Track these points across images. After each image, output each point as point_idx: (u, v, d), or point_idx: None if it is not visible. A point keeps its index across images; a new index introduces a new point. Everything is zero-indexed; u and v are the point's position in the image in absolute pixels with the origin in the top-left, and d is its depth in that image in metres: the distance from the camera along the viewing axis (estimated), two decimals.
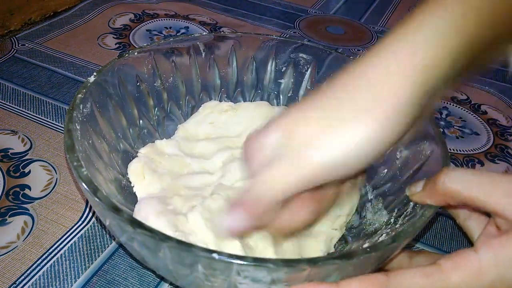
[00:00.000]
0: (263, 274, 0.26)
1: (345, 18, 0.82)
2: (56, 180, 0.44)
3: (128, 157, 0.41)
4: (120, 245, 0.39)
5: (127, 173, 0.40)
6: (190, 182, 0.40)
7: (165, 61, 0.45)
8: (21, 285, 0.35)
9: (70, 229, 0.40)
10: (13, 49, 0.62)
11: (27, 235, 0.39)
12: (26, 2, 0.66)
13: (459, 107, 0.62)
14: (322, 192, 0.30)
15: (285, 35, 0.74)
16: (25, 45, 0.63)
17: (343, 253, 0.29)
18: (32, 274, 0.36)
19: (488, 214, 0.30)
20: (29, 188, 0.43)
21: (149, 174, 0.39)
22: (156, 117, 0.46)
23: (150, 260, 0.30)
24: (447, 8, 0.26)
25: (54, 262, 0.37)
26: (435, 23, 0.26)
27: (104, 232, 0.40)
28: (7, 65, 0.59)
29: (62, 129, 0.50)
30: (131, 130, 0.43)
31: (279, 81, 0.50)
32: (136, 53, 0.43)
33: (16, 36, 0.64)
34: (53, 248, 0.38)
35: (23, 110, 0.52)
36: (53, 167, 0.45)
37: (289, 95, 0.50)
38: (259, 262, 0.26)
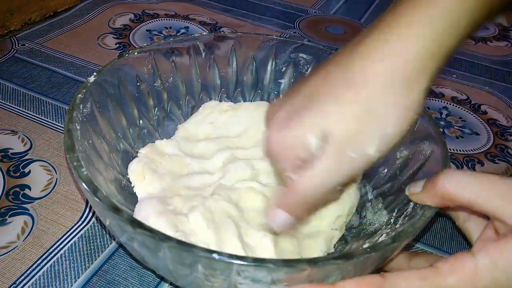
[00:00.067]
0: (263, 274, 0.26)
1: (345, 18, 0.82)
2: (56, 180, 0.44)
3: (128, 157, 0.41)
4: (120, 245, 0.39)
5: (127, 173, 0.40)
6: (190, 182, 0.40)
7: (165, 61, 0.45)
8: (21, 285, 0.35)
9: (70, 229, 0.40)
10: (13, 49, 0.62)
11: (27, 235, 0.39)
12: (26, 2, 0.66)
13: (459, 107, 0.62)
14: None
15: (285, 35, 0.74)
16: (25, 45, 0.63)
17: (343, 253, 0.29)
18: (32, 274, 0.36)
19: (487, 216, 0.30)
20: (29, 188, 0.43)
21: (149, 174, 0.39)
22: (156, 117, 0.46)
23: (150, 260, 0.30)
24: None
25: (54, 262, 0.37)
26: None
27: (104, 232, 0.40)
28: (7, 65, 0.58)
29: (62, 129, 0.50)
30: (131, 130, 0.43)
31: (279, 81, 0.50)
32: (136, 53, 0.43)
33: (16, 36, 0.64)
34: (53, 248, 0.38)
35: (23, 110, 0.52)
36: (53, 167, 0.45)
37: None
38: (259, 262, 0.26)
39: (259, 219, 0.36)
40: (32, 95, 0.54)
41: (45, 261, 0.37)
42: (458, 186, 0.28)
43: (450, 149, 0.54)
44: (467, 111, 0.61)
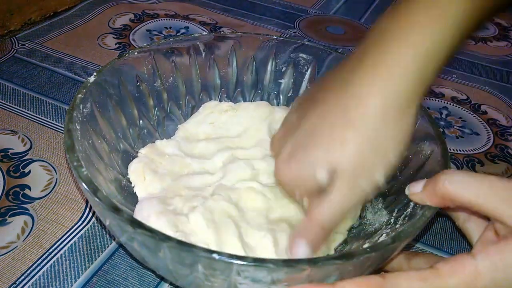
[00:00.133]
0: (263, 274, 0.26)
1: (345, 18, 0.82)
2: (56, 180, 0.44)
3: (128, 157, 0.41)
4: (120, 245, 0.39)
5: (127, 173, 0.40)
6: (191, 182, 0.40)
7: (165, 61, 0.45)
8: (21, 285, 0.35)
9: (70, 229, 0.40)
10: (13, 49, 0.62)
11: (27, 235, 0.39)
12: (26, 2, 0.66)
13: (459, 107, 0.62)
14: None
15: (285, 35, 0.74)
16: (25, 45, 0.63)
17: (343, 253, 0.29)
18: (32, 274, 0.36)
19: (487, 217, 0.30)
20: (29, 188, 0.43)
21: (149, 174, 0.39)
22: (156, 117, 0.46)
23: (150, 260, 0.30)
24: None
25: (54, 262, 0.37)
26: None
27: (104, 232, 0.40)
28: (7, 65, 0.58)
29: (62, 129, 0.50)
30: (131, 130, 0.43)
31: (279, 81, 0.50)
32: (136, 53, 0.43)
33: (16, 36, 0.64)
34: (53, 248, 0.38)
35: (23, 110, 0.52)
36: (53, 167, 0.45)
37: (289, 95, 0.50)
38: (259, 262, 0.26)
39: (259, 219, 0.36)
40: (32, 95, 0.54)
41: (45, 261, 0.37)
42: (458, 186, 0.28)
43: (450, 149, 0.54)
44: (467, 111, 0.61)
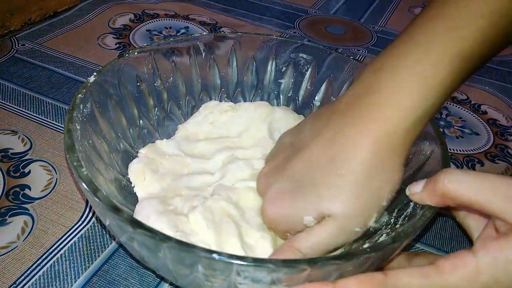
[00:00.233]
0: (263, 275, 0.26)
1: (345, 18, 0.82)
2: (56, 180, 0.44)
3: (128, 157, 0.41)
4: (120, 245, 0.39)
5: (127, 173, 0.40)
6: (191, 182, 0.40)
7: (165, 61, 0.45)
8: (21, 285, 0.35)
9: (70, 229, 0.40)
10: (13, 49, 0.62)
11: (27, 235, 0.39)
12: (26, 2, 0.66)
13: (459, 107, 0.62)
14: None
15: (285, 35, 0.74)
16: (25, 45, 0.63)
17: (343, 253, 0.29)
18: (32, 274, 0.36)
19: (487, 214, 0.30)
20: (29, 188, 0.43)
21: (149, 174, 0.39)
22: (156, 117, 0.46)
23: (150, 260, 0.30)
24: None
25: (54, 262, 0.37)
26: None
27: (104, 232, 0.40)
28: (7, 65, 0.58)
29: (62, 129, 0.50)
30: (131, 130, 0.43)
31: (279, 81, 0.50)
32: (136, 53, 0.43)
33: (16, 36, 0.64)
34: (53, 248, 0.38)
35: (23, 110, 0.52)
36: (53, 167, 0.45)
37: (289, 95, 0.50)
38: (259, 262, 0.26)
39: (258, 219, 0.36)
40: (32, 95, 0.54)
41: (45, 261, 0.37)
42: (458, 185, 0.28)
43: (450, 149, 0.54)
44: (467, 111, 0.61)
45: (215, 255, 0.25)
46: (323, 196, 0.31)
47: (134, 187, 0.39)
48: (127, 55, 0.42)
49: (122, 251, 0.38)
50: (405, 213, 0.34)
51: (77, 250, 0.38)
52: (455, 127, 0.58)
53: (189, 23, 0.73)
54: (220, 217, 0.35)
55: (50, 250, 0.38)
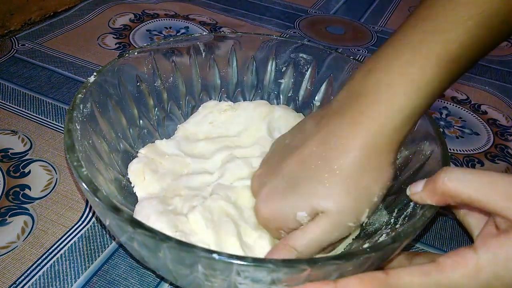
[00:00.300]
0: (263, 274, 0.26)
1: (345, 18, 0.82)
2: (56, 180, 0.44)
3: (128, 157, 0.41)
4: (120, 245, 0.39)
5: (127, 173, 0.40)
6: (190, 182, 0.40)
7: (165, 61, 0.45)
8: (21, 285, 0.35)
9: (70, 229, 0.40)
10: (13, 49, 0.62)
11: (27, 235, 0.39)
12: (26, 2, 0.66)
13: (459, 107, 0.62)
14: None
15: (285, 35, 0.74)
16: (25, 45, 0.63)
17: (343, 253, 0.29)
18: (32, 274, 0.36)
19: (488, 212, 0.30)
20: (29, 188, 0.43)
21: (149, 174, 0.39)
22: (156, 117, 0.46)
23: (150, 260, 0.30)
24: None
25: (54, 262, 0.37)
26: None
27: (104, 232, 0.40)
28: (7, 65, 0.58)
29: (62, 129, 0.50)
30: (131, 130, 0.43)
31: (279, 81, 0.50)
32: (136, 53, 0.43)
33: (16, 36, 0.64)
34: (53, 248, 0.38)
35: (23, 110, 0.52)
36: (53, 167, 0.45)
37: (289, 95, 0.50)
38: (259, 262, 0.26)
39: (255, 217, 0.36)
40: (32, 95, 0.54)
41: (45, 261, 0.37)
42: (458, 183, 0.28)
43: (450, 149, 0.54)
44: (467, 111, 0.61)
45: (215, 255, 0.25)
46: (316, 192, 0.31)
47: (133, 187, 0.39)
48: (127, 55, 0.42)
49: (122, 251, 0.38)
50: (405, 213, 0.34)
51: (77, 250, 0.38)
52: (455, 127, 0.58)
53: (189, 23, 0.73)
54: (219, 217, 0.35)
55: (50, 250, 0.38)
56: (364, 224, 0.39)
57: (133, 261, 0.38)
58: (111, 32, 0.68)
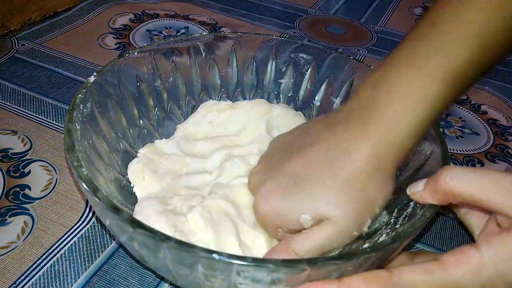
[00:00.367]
0: (263, 274, 0.26)
1: (345, 18, 0.82)
2: (56, 180, 0.44)
3: (128, 157, 0.41)
4: (120, 245, 0.39)
5: (127, 173, 0.40)
6: (190, 182, 0.40)
7: (165, 61, 0.45)
8: (21, 285, 0.35)
9: (70, 229, 0.40)
10: (13, 49, 0.62)
11: (27, 235, 0.39)
12: (26, 2, 0.66)
13: (459, 107, 0.62)
14: None
15: (285, 35, 0.74)
16: (25, 45, 0.63)
17: (343, 253, 0.29)
18: (32, 274, 0.36)
19: (489, 211, 0.30)
20: (29, 188, 0.43)
21: (149, 174, 0.39)
22: (156, 117, 0.46)
23: (150, 260, 0.30)
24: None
25: (54, 262, 0.37)
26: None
27: (104, 232, 0.40)
28: (7, 65, 0.58)
29: (62, 129, 0.50)
30: (131, 130, 0.43)
31: (279, 81, 0.50)
32: (136, 53, 0.43)
33: (16, 36, 0.64)
34: (53, 248, 0.38)
35: (23, 110, 0.52)
36: (53, 167, 0.45)
37: (289, 95, 0.50)
38: (259, 262, 0.26)
39: (253, 216, 0.36)
40: (32, 95, 0.54)
41: (45, 261, 0.37)
42: (460, 181, 0.28)
43: (450, 149, 0.54)
44: (467, 111, 0.61)
45: (215, 255, 0.25)
46: (323, 197, 0.31)
47: (133, 187, 0.39)
48: (127, 55, 0.42)
49: (122, 251, 0.38)
50: (405, 213, 0.34)
51: (77, 250, 0.38)
52: (455, 127, 0.58)
53: (189, 23, 0.73)
54: (218, 216, 0.35)
55: (50, 250, 0.38)
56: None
57: (133, 261, 0.38)
58: (111, 32, 0.68)
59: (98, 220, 0.41)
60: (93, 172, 0.33)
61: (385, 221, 0.37)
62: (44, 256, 0.37)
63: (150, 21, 0.73)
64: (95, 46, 0.65)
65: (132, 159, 0.41)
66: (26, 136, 0.48)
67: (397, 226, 0.34)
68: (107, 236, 0.40)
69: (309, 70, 0.48)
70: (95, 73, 0.39)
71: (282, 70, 0.49)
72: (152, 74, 0.45)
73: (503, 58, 0.32)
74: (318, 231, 0.31)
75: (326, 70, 0.48)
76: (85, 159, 0.33)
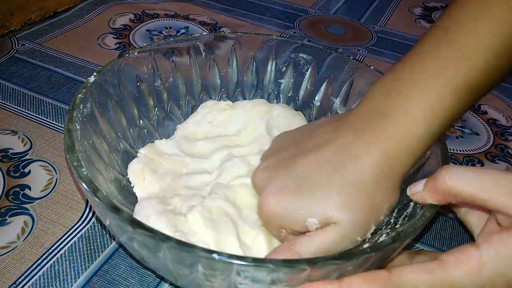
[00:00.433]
0: (263, 274, 0.26)
1: (345, 18, 0.82)
2: (56, 180, 0.44)
3: (128, 157, 0.41)
4: (120, 245, 0.39)
5: (127, 173, 0.40)
6: (190, 182, 0.40)
7: (165, 61, 0.45)
8: (21, 285, 0.35)
9: (70, 229, 0.40)
10: (13, 49, 0.62)
11: (27, 235, 0.39)
12: (26, 2, 0.66)
13: None
14: None
15: (285, 35, 0.74)
16: (25, 45, 0.63)
17: (343, 253, 0.29)
18: (32, 274, 0.36)
19: (489, 210, 0.30)
20: (29, 188, 0.43)
21: (149, 174, 0.39)
22: (156, 117, 0.46)
23: (150, 260, 0.30)
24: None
25: (54, 262, 0.37)
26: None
27: (104, 232, 0.40)
28: (7, 65, 0.59)
29: (62, 129, 0.50)
30: (131, 130, 0.43)
31: (279, 81, 0.50)
32: (136, 53, 0.43)
33: (16, 36, 0.64)
34: (53, 248, 0.38)
35: (23, 110, 0.52)
36: (53, 167, 0.45)
37: (289, 95, 0.50)
38: (259, 262, 0.26)
39: (253, 216, 0.36)
40: (32, 95, 0.54)
41: (45, 261, 0.37)
42: (459, 181, 0.28)
43: (450, 149, 0.54)
44: (467, 111, 0.61)
45: (215, 255, 0.25)
46: (331, 201, 0.31)
47: (133, 187, 0.39)
48: (127, 55, 0.42)
49: (122, 251, 0.39)
50: (405, 213, 0.34)
51: (77, 250, 0.38)
52: (455, 127, 0.58)
53: (189, 23, 0.73)
54: (218, 216, 0.35)
55: (50, 250, 0.38)
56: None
57: (133, 261, 0.38)
58: (111, 32, 0.68)
59: (98, 220, 0.41)
60: (93, 172, 0.33)
61: (385, 221, 0.37)
62: (44, 256, 0.37)
63: (150, 21, 0.73)
64: (95, 46, 0.65)
65: (132, 159, 0.41)
66: (26, 136, 0.48)
67: (397, 226, 0.34)
68: (107, 236, 0.40)
69: (309, 70, 0.49)
70: (95, 73, 0.39)
71: (282, 70, 0.49)
72: (152, 74, 0.45)
73: None
74: (323, 234, 0.31)
75: (326, 70, 0.48)
76: (85, 159, 0.33)
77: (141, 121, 0.44)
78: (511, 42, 0.29)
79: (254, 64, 0.49)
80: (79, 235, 0.39)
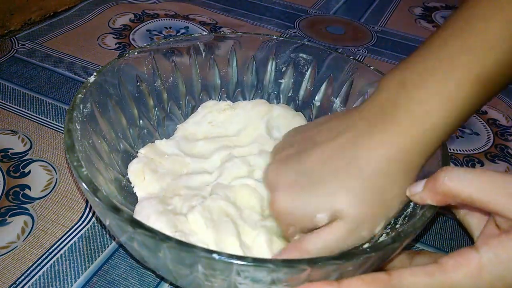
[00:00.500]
0: (263, 274, 0.26)
1: (345, 18, 0.82)
2: (56, 180, 0.44)
3: (128, 157, 0.41)
4: (120, 245, 0.39)
5: (127, 173, 0.40)
6: (190, 182, 0.40)
7: (165, 61, 0.45)
8: (21, 285, 0.35)
9: (70, 229, 0.40)
10: (13, 49, 0.62)
11: (27, 235, 0.39)
12: (26, 2, 0.66)
13: None
14: None
15: (285, 35, 0.74)
16: (25, 45, 0.63)
17: (343, 253, 0.29)
18: (32, 274, 0.36)
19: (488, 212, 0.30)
20: (29, 188, 0.43)
21: (149, 174, 0.39)
22: (156, 117, 0.46)
23: (150, 260, 0.30)
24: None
25: (54, 262, 0.37)
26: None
27: (104, 232, 0.40)
28: (7, 65, 0.59)
29: (62, 129, 0.50)
30: (131, 130, 0.43)
31: (279, 81, 0.50)
32: (136, 53, 0.43)
33: (16, 36, 0.64)
34: (53, 248, 0.38)
35: (23, 110, 0.52)
36: (53, 167, 0.45)
37: (289, 95, 0.50)
38: (259, 262, 0.26)
39: (254, 216, 0.36)
40: (32, 95, 0.54)
41: (45, 261, 0.37)
42: (458, 182, 0.28)
43: (450, 149, 0.54)
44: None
45: (215, 255, 0.25)
46: (339, 197, 0.30)
47: (133, 187, 0.39)
48: (127, 55, 0.42)
49: (122, 251, 0.39)
50: (405, 213, 0.34)
51: (77, 250, 0.38)
52: None
53: (189, 23, 0.73)
54: (218, 216, 0.35)
55: (50, 250, 0.38)
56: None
57: (133, 261, 0.38)
58: (111, 32, 0.68)
59: (98, 220, 0.41)
60: (93, 172, 0.33)
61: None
62: (44, 256, 0.37)
63: (150, 21, 0.73)
64: (95, 46, 0.65)
65: (132, 159, 0.41)
66: (26, 136, 0.48)
67: (397, 226, 0.34)
68: (107, 236, 0.40)
69: (309, 70, 0.49)
70: (95, 73, 0.39)
71: (282, 70, 0.49)
72: (152, 74, 0.45)
73: None
74: (329, 230, 0.30)
75: (326, 70, 0.48)
76: (85, 159, 0.33)
77: (141, 121, 0.44)
78: None
79: (254, 64, 0.49)
80: (79, 235, 0.39)
